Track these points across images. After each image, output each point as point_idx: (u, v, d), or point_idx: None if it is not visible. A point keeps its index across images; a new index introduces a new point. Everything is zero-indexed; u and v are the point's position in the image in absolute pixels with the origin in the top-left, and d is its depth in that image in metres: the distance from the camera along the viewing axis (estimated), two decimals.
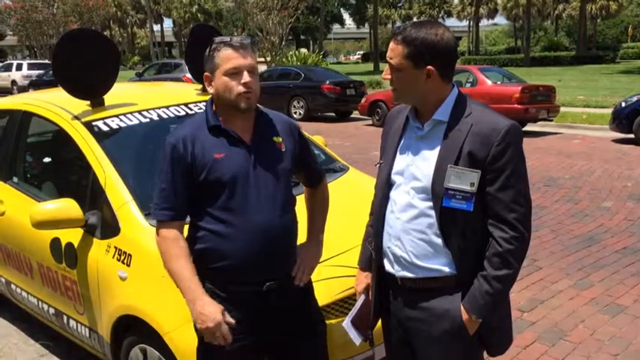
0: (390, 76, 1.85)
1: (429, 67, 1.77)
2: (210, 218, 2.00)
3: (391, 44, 1.81)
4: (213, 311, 1.95)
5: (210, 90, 2.04)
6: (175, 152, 1.99)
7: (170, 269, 2.01)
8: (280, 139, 2.13)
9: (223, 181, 1.98)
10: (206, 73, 2.03)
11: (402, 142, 1.93)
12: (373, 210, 2.08)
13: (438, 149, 1.82)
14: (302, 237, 2.26)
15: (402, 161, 1.91)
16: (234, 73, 1.96)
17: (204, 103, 2.17)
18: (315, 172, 2.35)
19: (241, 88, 1.96)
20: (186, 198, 2.01)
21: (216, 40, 2.01)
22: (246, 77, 1.96)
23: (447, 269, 1.84)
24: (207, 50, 2.02)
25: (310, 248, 2.27)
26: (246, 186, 2.00)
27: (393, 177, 1.93)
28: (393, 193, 1.92)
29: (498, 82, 13.28)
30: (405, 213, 1.87)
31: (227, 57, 1.97)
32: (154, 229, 2.07)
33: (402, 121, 1.96)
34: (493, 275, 1.77)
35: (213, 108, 2.08)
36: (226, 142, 2.02)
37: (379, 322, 2.12)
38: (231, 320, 1.98)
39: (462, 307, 1.83)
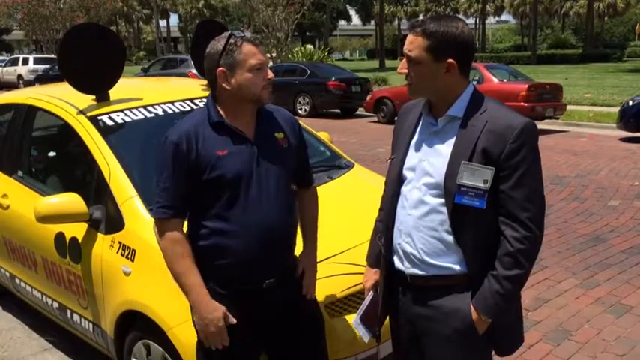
0: (406, 70, 1.81)
1: (450, 59, 1.74)
2: (213, 216, 1.98)
3: (410, 37, 1.78)
4: (217, 317, 1.96)
5: (227, 86, 1.98)
6: (178, 150, 1.96)
7: (174, 269, 2.00)
8: (282, 135, 2.11)
9: (227, 180, 1.96)
10: (221, 69, 1.96)
11: (416, 137, 1.91)
12: (383, 205, 2.06)
13: (451, 145, 1.79)
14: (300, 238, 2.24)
15: (414, 157, 1.88)
16: (259, 69, 1.98)
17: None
18: (309, 171, 2.30)
19: (265, 83, 2.00)
20: (189, 196, 1.99)
21: (236, 35, 1.98)
22: (269, 72, 2.02)
23: (457, 267, 1.82)
24: (221, 45, 1.96)
25: (311, 256, 2.26)
26: (249, 184, 1.98)
27: (405, 173, 1.90)
28: (404, 189, 1.90)
29: (505, 80, 13.22)
30: (417, 209, 1.85)
31: (252, 53, 1.96)
32: None
33: (415, 116, 1.93)
34: (504, 275, 1.75)
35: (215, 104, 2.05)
36: (229, 139, 2.00)
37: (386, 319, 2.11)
38: (233, 320, 1.99)
39: (471, 306, 1.81)
